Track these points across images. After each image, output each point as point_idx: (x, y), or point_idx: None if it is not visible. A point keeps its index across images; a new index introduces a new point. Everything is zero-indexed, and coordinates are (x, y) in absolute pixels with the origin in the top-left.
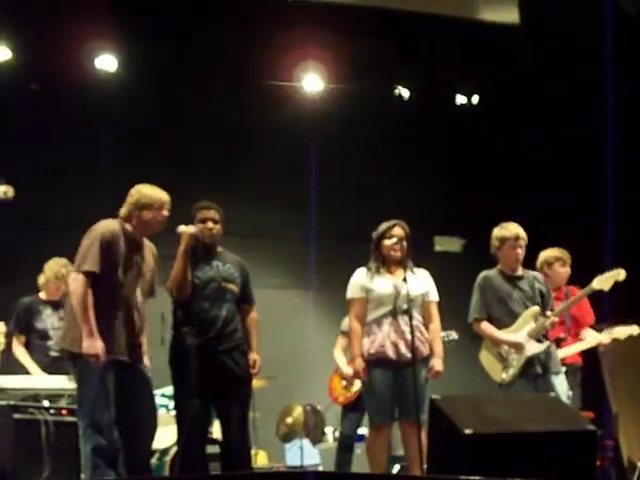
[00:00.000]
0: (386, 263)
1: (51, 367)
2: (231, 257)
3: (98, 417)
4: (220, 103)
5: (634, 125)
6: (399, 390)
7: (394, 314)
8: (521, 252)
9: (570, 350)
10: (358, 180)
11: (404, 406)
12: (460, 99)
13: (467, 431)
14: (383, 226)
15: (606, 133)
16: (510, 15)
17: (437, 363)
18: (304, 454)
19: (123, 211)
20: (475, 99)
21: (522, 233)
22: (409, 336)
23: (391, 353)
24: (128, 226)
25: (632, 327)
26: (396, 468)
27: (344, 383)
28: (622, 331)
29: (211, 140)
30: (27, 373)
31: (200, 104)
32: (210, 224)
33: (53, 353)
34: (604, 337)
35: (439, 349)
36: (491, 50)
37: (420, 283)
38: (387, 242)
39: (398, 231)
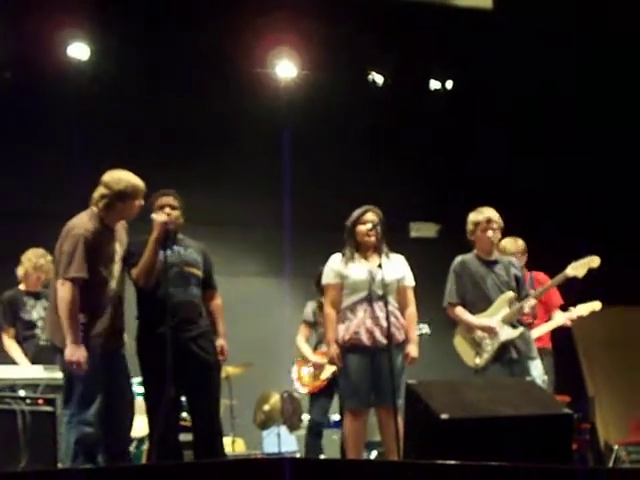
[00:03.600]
0: (361, 249)
1: (41, 355)
2: (193, 243)
3: (84, 409)
4: (193, 91)
5: (603, 111)
6: (375, 376)
7: (369, 300)
8: (493, 235)
9: (538, 332)
10: (332, 166)
11: (380, 392)
12: (434, 84)
13: (443, 416)
14: (356, 212)
15: (577, 116)
16: (483, 0)
17: (412, 349)
18: (281, 441)
19: (100, 201)
20: (449, 84)
21: (495, 216)
22: (384, 322)
23: (366, 339)
24: (104, 216)
25: (594, 303)
26: (373, 454)
27: (312, 371)
28: (585, 307)
29: (185, 128)
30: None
31: (172, 92)
32: (167, 210)
33: (42, 342)
34: (569, 315)
35: (414, 335)
36: (464, 35)
37: (395, 268)
38: (362, 228)
39: (372, 216)
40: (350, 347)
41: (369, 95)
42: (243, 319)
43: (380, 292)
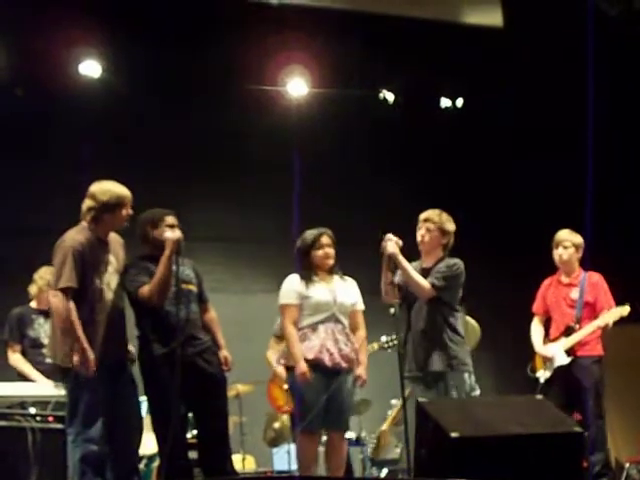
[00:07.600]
0: (317, 271)
1: (46, 374)
2: (184, 260)
3: (89, 427)
4: (204, 108)
5: (614, 125)
6: (331, 398)
7: (330, 321)
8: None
9: (579, 335)
10: (342, 184)
11: (334, 414)
12: (445, 102)
13: (453, 434)
14: (311, 236)
15: (587, 133)
16: (494, 18)
17: (362, 372)
18: (292, 459)
19: (87, 214)
20: (459, 102)
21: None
22: (342, 345)
23: (327, 360)
24: (95, 228)
25: (622, 308)
26: (384, 472)
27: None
28: (612, 314)
29: (196, 145)
30: (27, 380)
31: (184, 109)
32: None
33: (49, 360)
34: (602, 320)
35: (364, 358)
36: (475, 53)
37: (351, 292)
38: (319, 252)
39: (327, 240)
40: (312, 367)
41: (380, 113)
42: (254, 335)
43: (339, 314)
